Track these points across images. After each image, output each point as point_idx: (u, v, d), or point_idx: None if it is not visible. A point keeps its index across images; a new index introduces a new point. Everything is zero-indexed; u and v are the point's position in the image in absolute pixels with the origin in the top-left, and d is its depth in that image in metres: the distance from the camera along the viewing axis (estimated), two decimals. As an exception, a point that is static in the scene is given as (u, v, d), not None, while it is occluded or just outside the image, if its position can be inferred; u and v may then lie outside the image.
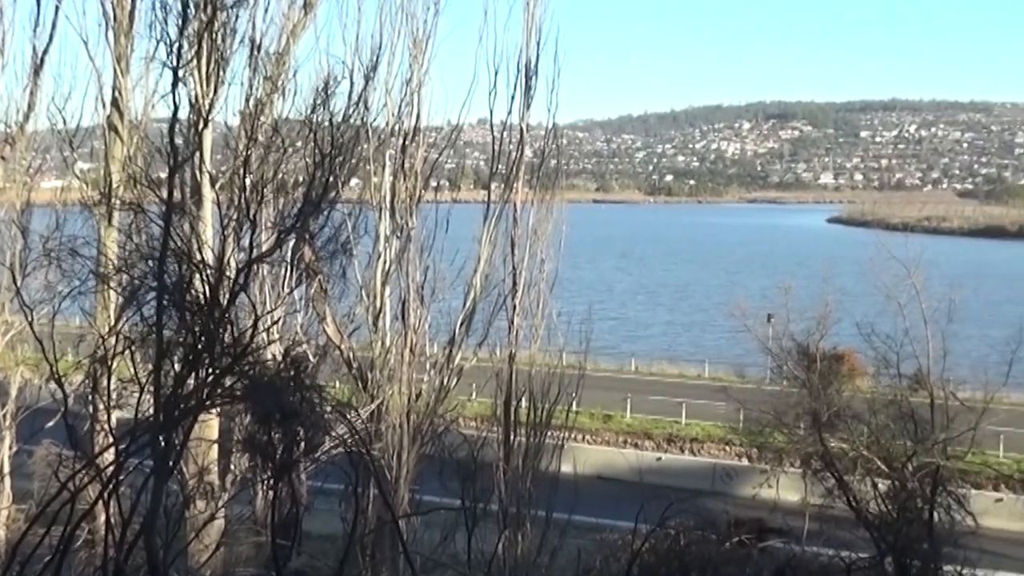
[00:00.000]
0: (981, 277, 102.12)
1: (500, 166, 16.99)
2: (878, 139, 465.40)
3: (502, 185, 16.91)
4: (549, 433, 16.68)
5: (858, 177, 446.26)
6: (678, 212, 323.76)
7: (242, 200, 9.26)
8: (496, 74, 16.47)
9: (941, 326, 26.32)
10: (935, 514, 24.32)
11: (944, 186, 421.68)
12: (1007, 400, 35.55)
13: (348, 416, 8.98)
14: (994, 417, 27.29)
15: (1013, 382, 28.34)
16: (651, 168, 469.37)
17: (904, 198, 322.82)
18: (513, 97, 16.68)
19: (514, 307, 16.59)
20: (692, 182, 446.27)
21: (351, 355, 16.73)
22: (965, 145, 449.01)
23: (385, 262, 16.55)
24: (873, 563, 22.24)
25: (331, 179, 15.10)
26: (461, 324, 16.76)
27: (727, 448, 48.17)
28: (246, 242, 9.07)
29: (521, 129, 16.88)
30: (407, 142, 16.75)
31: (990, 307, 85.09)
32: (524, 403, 16.76)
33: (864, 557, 22.11)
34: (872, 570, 22.03)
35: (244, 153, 13.71)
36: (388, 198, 16.64)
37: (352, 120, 15.88)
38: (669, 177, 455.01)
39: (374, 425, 15.68)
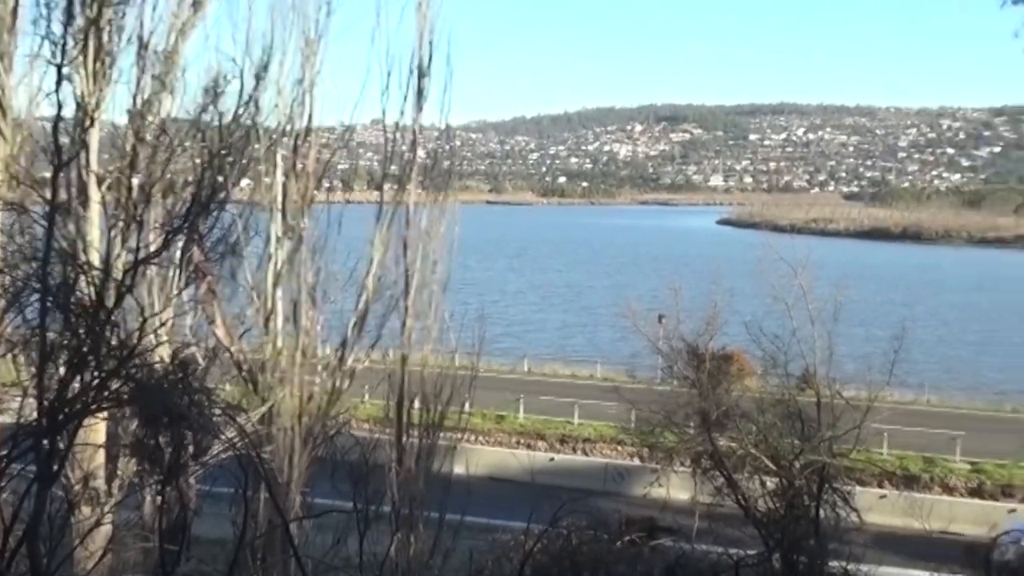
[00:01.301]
0: (866, 278, 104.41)
1: (393, 167, 16.95)
2: (767, 142, 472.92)
3: (395, 186, 16.87)
4: (442, 434, 16.68)
5: (747, 179, 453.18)
6: (571, 213, 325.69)
7: (129, 200, 9.11)
8: (389, 75, 16.43)
9: (827, 326, 26.80)
10: (821, 511, 24.78)
11: (831, 188, 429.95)
12: (890, 399, 36.32)
13: (238, 419, 8.90)
14: (878, 415, 27.84)
15: (896, 381, 28.94)
16: (544, 169, 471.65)
17: (792, 200, 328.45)
18: (406, 98, 16.64)
19: (407, 308, 16.56)
20: (585, 183, 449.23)
21: (241, 357, 16.55)
22: (851, 148, 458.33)
23: (276, 263, 16.39)
24: (761, 560, 22.60)
25: (221, 179, 14.97)
26: (353, 326, 16.67)
27: (619, 448, 48.60)
28: (133, 243, 8.93)
29: (414, 130, 16.85)
30: (299, 142, 16.61)
31: (875, 307, 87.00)
32: (417, 405, 16.74)
33: (752, 554, 22.46)
34: (760, 567, 22.39)
35: (131, 153, 13.52)
36: (279, 199, 16.48)
37: (242, 120, 15.70)
38: (562, 179, 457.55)
39: (265, 428, 15.53)
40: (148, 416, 7.65)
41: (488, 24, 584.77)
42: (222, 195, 15.19)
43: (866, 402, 26.62)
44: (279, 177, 16.59)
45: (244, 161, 16.29)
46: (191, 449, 8.09)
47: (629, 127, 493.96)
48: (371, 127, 21.62)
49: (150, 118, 14.53)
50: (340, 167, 20.64)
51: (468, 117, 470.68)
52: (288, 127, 16.61)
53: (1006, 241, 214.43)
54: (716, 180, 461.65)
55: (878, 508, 34.69)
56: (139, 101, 14.47)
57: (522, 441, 50.92)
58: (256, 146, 16.50)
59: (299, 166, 16.54)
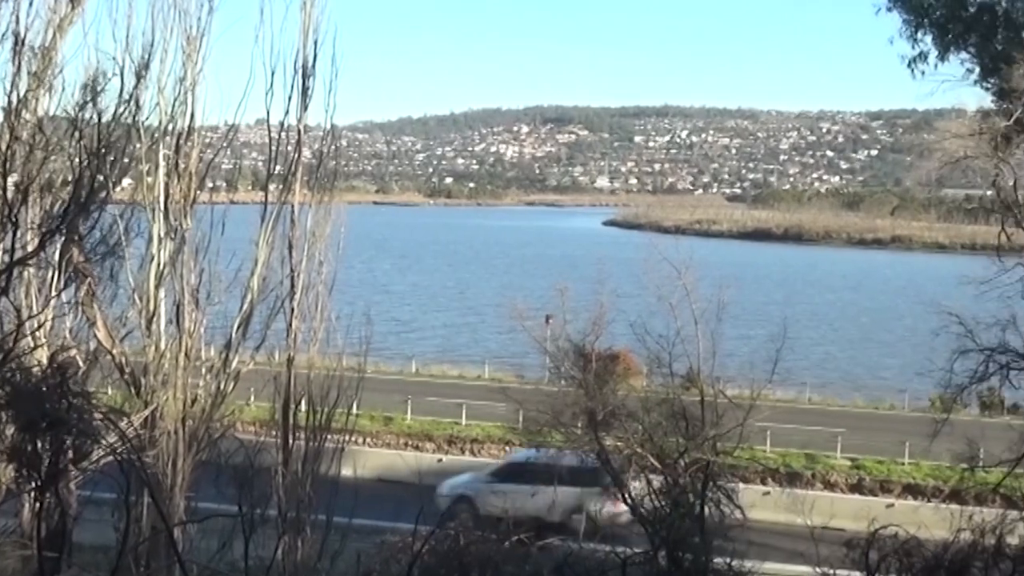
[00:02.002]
0: (749, 278, 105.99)
1: (278, 167, 16.79)
2: (651, 144, 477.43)
3: (280, 186, 16.70)
4: (329, 436, 16.55)
5: (633, 181, 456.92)
6: (458, 214, 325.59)
7: (4, 201, 8.89)
8: (273, 74, 16.25)
9: (711, 326, 27.18)
10: (706, 508, 25.08)
11: (714, 190, 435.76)
12: (772, 397, 36.99)
13: (119, 423, 8.74)
14: (761, 414, 28.28)
15: (778, 380, 29.46)
16: (431, 170, 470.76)
17: (677, 201, 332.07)
18: (290, 98, 16.49)
19: (292, 310, 16.41)
20: (472, 184, 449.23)
21: (123, 360, 16.25)
22: (733, 151, 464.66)
23: (159, 264, 16.13)
24: (647, 558, 22.79)
25: (101, 179, 14.69)
26: (238, 328, 16.48)
27: (507, 448, 48.66)
28: (8, 244, 8.72)
29: (299, 130, 16.70)
30: (181, 142, 16.37)
31: (757, 307, 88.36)
32: (303, 407, 16.60)
33: (638, 552, 22.65)
34: (646, 565, 22.60)
35: (6, 152, 13.18)
36: (162, 199, 16.22)
37: (123, 118, 15.44)
38: (449, 179, 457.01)
39: (147, 432, 15.26)
40: (25, 421, 7.47)
41: (374, 24, 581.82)
42: (102, 195, 14.92)
43: (749, 400, 27.03)
44: (161, 177, 16.32)
45: (125, 160, 16.02)
46: (71, 454, 7.93)
47: (516, 128, 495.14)
48: (256, 127, 21.35)
49: (27, 116, 14.20)
50: (224, 167, 20.41)
51: (354, 117, 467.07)
52: (170, 126, 16.36)
53: (883, 242, 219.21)
54: (602, 181, 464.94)
55: (761, 505, 35.18)
56: (15, 99, 14.13)
57: (410, 442, 50.78)
58: (137, 145, 16.23)
59: (182, 166, 16.30)
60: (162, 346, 16.15)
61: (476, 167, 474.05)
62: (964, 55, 26.79)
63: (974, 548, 20.51)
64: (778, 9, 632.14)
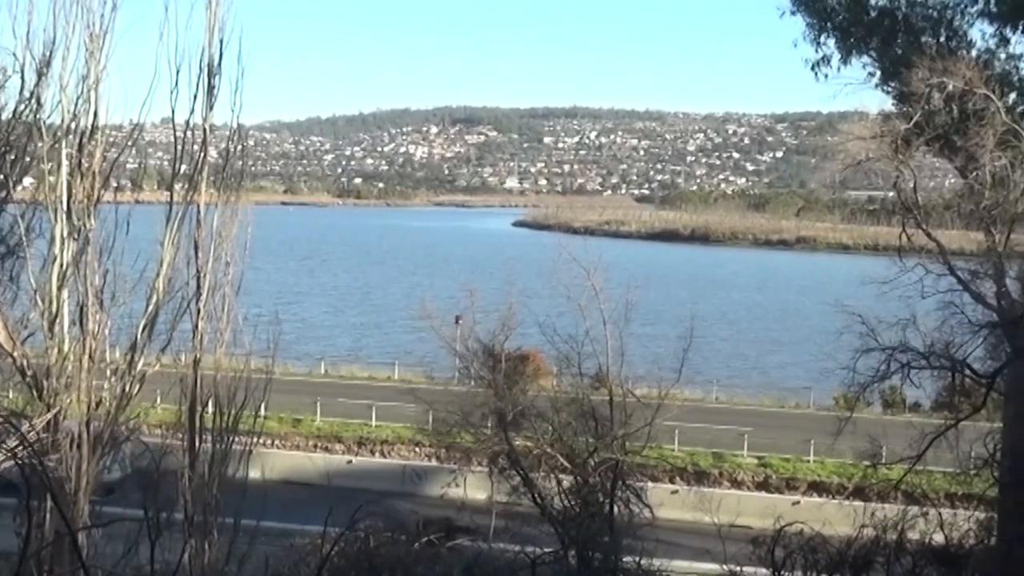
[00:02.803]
0: (657, 278, 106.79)
1: (183, 167, 16.56)
2: (561, 145, 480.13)
3: (186, 186, 16.49)
4: (236, 439, 16.37)
5: (542, 182, 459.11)
6: (367, 215, 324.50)
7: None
8: (178, 73, 16.01)
9: (619, 326, 27.37)
10: (615, 507, 25.30)
11: (623, 191, 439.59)
12: (680, 396, 37.27)
13: (20, 427, 8.58)
14: (669, 413, 28.55)
15: (685, 379, 29.70)
16: (340, 171, 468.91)
17: (586, 202, 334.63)
18: (196, 96, 16.27)
19: (199, 311, 16.18)
20: (381, 185, 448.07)
21: (25, 363, 15.93)
22: (642, 152, 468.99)
23: (61, 265, 15.83)
24: (557, 557, 22.94)
25: (1, 178, 14.41)
26: (143, 329, 16.22)
27: (417, 449, 48.63)
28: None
29: (205, 129, 16.49)
30: (85, 140, 16.09)
31: (665, 307, 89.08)
32: (210, 409, 16.41)
33: (548, 552, 22.78)
34: (556, 564, 22.72)
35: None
36: (64, 198, 15.93)
37: (24, 117, 15.15)
38: (358, 180, 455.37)
39: (50, 435, 14.98)
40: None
41: (281, 23, 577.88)
42: (2, 194, 14.64)
43: (657, 400, 27.28)
44: (64, 176, 16.03)
45: (26, 159, 15.72)
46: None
47: (425, 129, 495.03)
48: (161, 125, 21.12)
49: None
50: (129, 166, 20.08)
51: (261, 117, 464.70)
52: (73, 124, 16.07)
53: (788, 243, 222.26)
54: (511, 182, 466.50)
55: (670, 503, 35.52)
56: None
57: (319, 444, 50.47)
58: (39, 144, 15.93)
59: (85, 165, 16.02)
60: (65, 348, 15.86)
61: (385, 167, 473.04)
62: (866, 59, 27.31)
63: (876, 544, 20.97)
64: (685, 12, 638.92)
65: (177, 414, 16.61)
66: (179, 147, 16.43)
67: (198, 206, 16.38)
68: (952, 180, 29.25)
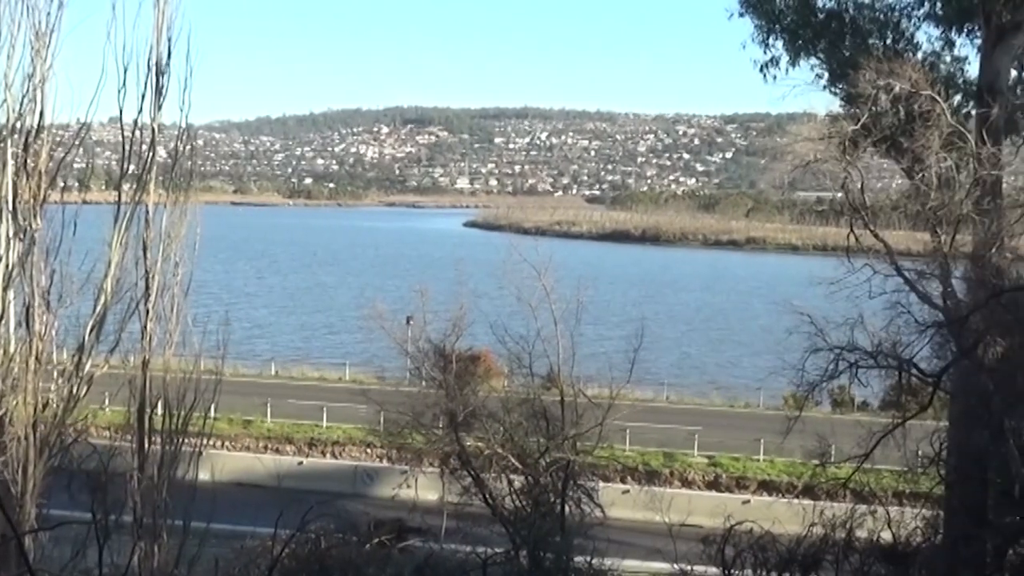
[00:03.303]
0: (608, 279, 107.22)
1: (132, 167, 16.43)
2: (512, 145, 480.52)
3: (134, 186, 16.36)
4: (186, 440, 16.27)
5: (493, 182, 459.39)
6: (318, 215, 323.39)
7: None
8: (126, 72, 15.88)
9: (570, 326, 27.44)
10: (566, 507, 25.35)
11: (574, 192, 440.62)
12: (631, 396, 37.45)
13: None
14: (620, 413, 28.64)
15: (636, 379, 29.83)
16: (290, 171, 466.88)
17: (537, 203, 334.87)
18: (144, 96, 16.15)
19: (148, 312, 16.06)
20: (332, 185, 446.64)
21: (-30, 365, 15.77)
22: (592, 153, 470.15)
23: (7, 266, 15.64)
24: (508, 557, 22.97)
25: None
26: (91, 330, 16.07)
27: (368, 450, 48.56)
28: None
29: (153, 129, 16.37)
30: (30, 140, 15.92)
31: (616, 308, 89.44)
32: (159, 410, 16.30)
33: (499, 552, 22.80)
34: (507, 564, 22.75)
35: None
36: (10, 198, 15.76)
37: (-32, 116, 14.98)
38: (308, 180, 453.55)
39: (-4, 438, 14.83)
40: None
41: (230, 22, 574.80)
42: (-53, 194, 14.47)
43: (608, 400, 27.37)
44: (9, 176, 15.87)
45: (-29, 159, 15.53)
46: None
47: (376, 129, 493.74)
48: (109, 125, 20.92)
49: None
50: (76, 166, 19.89)
51: (211, 117, 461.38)
52: (18, 124, 15.90)
53: (738, 243, 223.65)
54: (462, 183, 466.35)
55: (621, 503, 35.66)
56: None
57: (270, 445, 50.31)
58: (-16, 143, 15.75)
59: (31, 164, 15.86)
60: (11, 349, 15.69)
61: (336, 168, 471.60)
62: (814, 61, 27.54)
63: (825, 542, 21.15)
64: (635, 13, 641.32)
65: (126, 416, 16.48)
66: (127, 147, 16.30)
67: (146, 206, 16.26)
68: (899, 181, 29.53)
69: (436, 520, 28.11)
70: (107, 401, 27.77)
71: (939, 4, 26.89)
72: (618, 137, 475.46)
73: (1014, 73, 26.78)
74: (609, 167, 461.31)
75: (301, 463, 47.69)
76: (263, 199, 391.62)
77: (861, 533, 21.66)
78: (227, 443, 48.71)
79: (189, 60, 16.10)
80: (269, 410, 52.78)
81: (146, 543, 15.24)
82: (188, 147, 16.74)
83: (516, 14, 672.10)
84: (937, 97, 22.46)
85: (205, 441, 16.49)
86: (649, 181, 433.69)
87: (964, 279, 22.54)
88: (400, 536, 24.90)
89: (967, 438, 21.46)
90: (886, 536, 21.83)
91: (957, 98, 26.76)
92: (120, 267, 16.07)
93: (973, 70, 27.03)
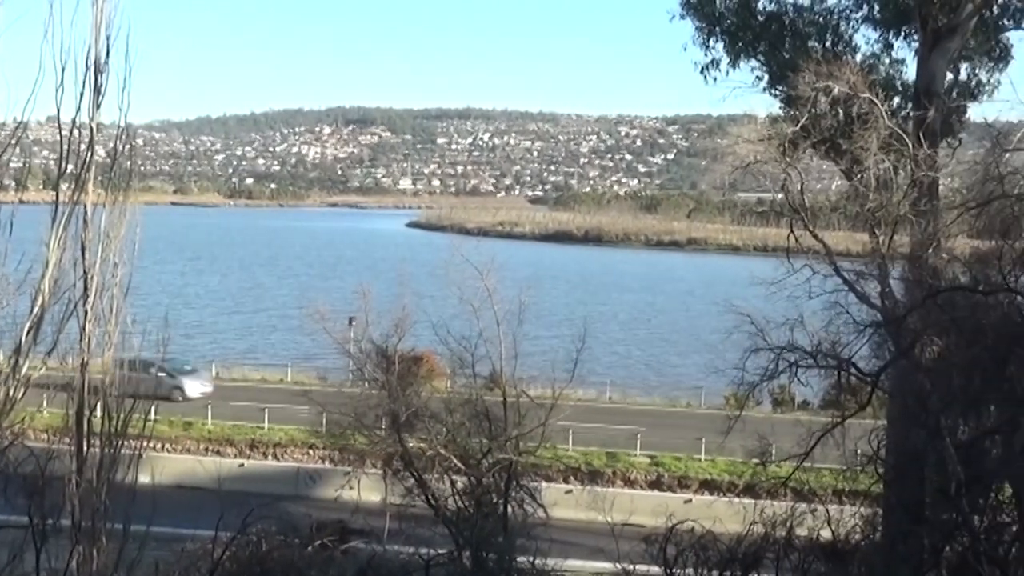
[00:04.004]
0: (550, 279, 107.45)
1: (70, 166, 16.27)
2: (454, 146, 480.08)
3: (72, 186, 16.19)
4: (125, 443, 16.13)
5: (436, 183, 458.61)
6: (260, 215, 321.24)
7: None
8: (63, 70, 15.70)
9: (512, 327, 27.48)
10: (509, 508, 25.40)
11: (516, 192, 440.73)
12: (574, 396, 37.52)
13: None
14: (562, 413, 28.70)
15: (579, 379, 29.90)
16: (231, 171, 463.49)
17: (479, 203, 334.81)
18: (82, 95, 15.98)
19: (86, 313, 15.91)
20: (273, 185, 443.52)
21: (-96, 367, 15.54)
22: (535, 153, 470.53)
23: (-58, 267, 15.48)
24: (451, 558, 22.99)
25: None
26: (28, 332, 15.89)
27: (311, 452, 48.41)
28: None
29: (91, 128, 16.22)
30: (-35, 139, 15.74)
31: (559, 308, 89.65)
32: (98, 413, 16.14)
33: (442, 553, 22.81)
34: (450, 565, 22.76)
35: None
36: (-55, 198, 15.57)
37: (-98, 114, 14.77)
38: (250, 180, 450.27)
39: (-69, 441, 14.63)
40: None
41: (170, 21, 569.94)
42: None
43: (551, 400, 27.46)
44: (-56, 176, 15.69)
45: (-95, 158, 15.33)
46: None
47: (318, 129, 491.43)
48: (47, 124, 20.68)
49: None
50: (13, 165, 19.66)
51: (151, 116, 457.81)
52: (-47, 123, 15.71)
53: (680, 244, 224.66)
54: (405, 183, 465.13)
55: (564, 503, 35.73)
56: None
57: (211, 448, 50.04)
58: (-82, 142, 15.55)
59: (-33, 164, 15.68)
60: (-54, 352, 15.50)
61: (278, 168, 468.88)
62: (754, 63, 27.81)
63: (766, 540, 21.33)
64: (577, 14, 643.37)
65: (64, 418, 16.32)
66: (65, 146, 16.14)
67: (85, 206, 16.11)
68: (838, 182, 29.89)
69: (379, 521, 28.01)
70: (45, 404, 27.49)
71: (877, 8, 27.26)
72: (560, 138, 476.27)
73: (950, 76, 27.19)
74: (552, 168, 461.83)
75: (242, 465, 47.46)
76: (204, 199, 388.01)
77: (801, 531, 21.86)
78: (167, 445, 48.44)
79: (128, 59, 15.94)
80: (210, 412, 52.46)
81: (85, 547, 15.09)
82: (127, 147, 16.58)
83: (459, 14, 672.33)
84: (875, 99, 22.73)
85: (145, 443, 16.35)
86: (591, 182, 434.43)
87: (902, 279, 22.80)
88: (342, 538, 24.82)
89: (905, 437, 21.70)
90: (826, 534, 22.04)
91: (895, 100, 27.11)
92: (58, 268, 15.90)
93: (911, 73, 27.44)
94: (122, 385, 15.92)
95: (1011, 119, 22.39)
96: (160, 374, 50.90)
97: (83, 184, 16.00)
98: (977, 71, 28.06)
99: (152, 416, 16.32)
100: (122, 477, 15.88)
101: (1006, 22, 27.58)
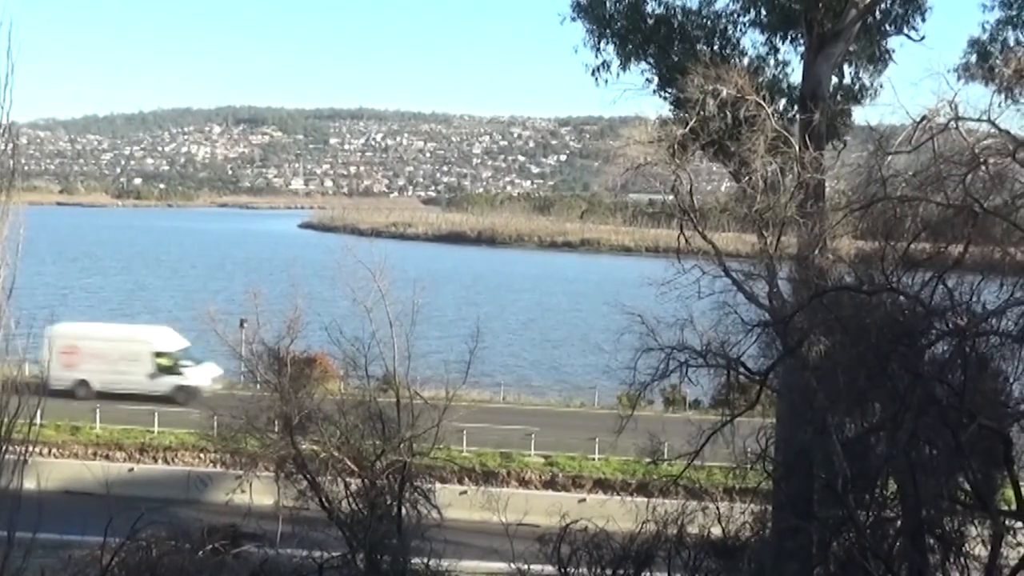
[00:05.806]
0: (443, 280, 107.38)
1: (-49, 166, 15.91)
2: (347, 146, 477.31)
3: (-46, 186, 15.84)
4: (9, 448, 15.81)
5: (328, 183, 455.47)
6: (148, 216, 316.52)
7: None
8: (-55, 67, 15.39)
9: (406, 328, 27.40)
10: (403, 509, 25.33)
11: (409, 193, 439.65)
12: (468, 397, 37.61)
13: None
14: (456, 414, 28.69)
15: (473, 380, 29.96)
16: (119, 170, 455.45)
17: (373, 204, 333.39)
18: (-36, 93, 15.64)
19: (-31, 316, 15.58)
20: (162, 185, 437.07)
21: None
22: (428, 154, 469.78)
23: None
24: (345, 561, 22.90)
25: None
26: (-91, 335, 15.54)
27: (201, 455, 47.74)
28: None
29: (-27, 127, 15.88)
30: None
31: (452, 309, 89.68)
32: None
33: (336, 555, 22.71)
34: (344, 568, 22.67)
35: None
36: None
37: None
38: (138, 180, 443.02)
39: None
40: None
41: (54, 16, 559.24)
42: None
43: (444, 401, 27.42)
44: None
45: None
46: None
47: (207, 128, 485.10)
48: (-73, 122, 20.17)
49: None
50: None
51: (35, 114, 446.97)
52: None
53: (573, 245, 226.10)
54: (297, 184, 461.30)
55: (458, 504, 35.75)
56: None
57: (99, 452, 49.16)
58: None
59: None
60: None
61: (167, 168, 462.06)
62: (644, 65, 28.09)
63: (658, 538, 21.61)
64: (469, 15, 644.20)
65: (-54, 424, 15.95)
66: (-53, 145, 15.78)
67: (-33, 207, 15.76)
68: (727, 184, 30.33)
69: (271, 525, 27.75)
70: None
71: (764, 11, 27.70)
72: (453, 139, 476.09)
73: (835, 80, 27.76)
74: (444, 169, 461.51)
75: (132, 469, 46.67)
76: (91, 199, 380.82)
77: (692, 529, 22.17)
78: (54, 450, 47.58)
79: (10, 55, 15.65)
80: (98, 416, 51.55)
81: (-33, 555, 14.79)
82: (10, 145, 16.27)
83: (350, 14, 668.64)
84: (762, 102, 23.11)
85: (30, 449, 16.06)
86: (485, 183, 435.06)
87: (789, 279, 23.22)
88: (234, 542, 24.58)
89: (792, 434, 22.14)
90: (716, 531, 22.40)
91: (782, 103, 27.61)
92: (-61, 270, 15.56)
93: (797, 76, 27.95)
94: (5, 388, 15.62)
95: (893, 122, 22.88)
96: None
97: (-35, 184, 15.66)
98: (860, 75, 28.67)
99: (37, 420, 16.02)
100: (6, 483, 15.58)
101: (888, 27, 28.22)
